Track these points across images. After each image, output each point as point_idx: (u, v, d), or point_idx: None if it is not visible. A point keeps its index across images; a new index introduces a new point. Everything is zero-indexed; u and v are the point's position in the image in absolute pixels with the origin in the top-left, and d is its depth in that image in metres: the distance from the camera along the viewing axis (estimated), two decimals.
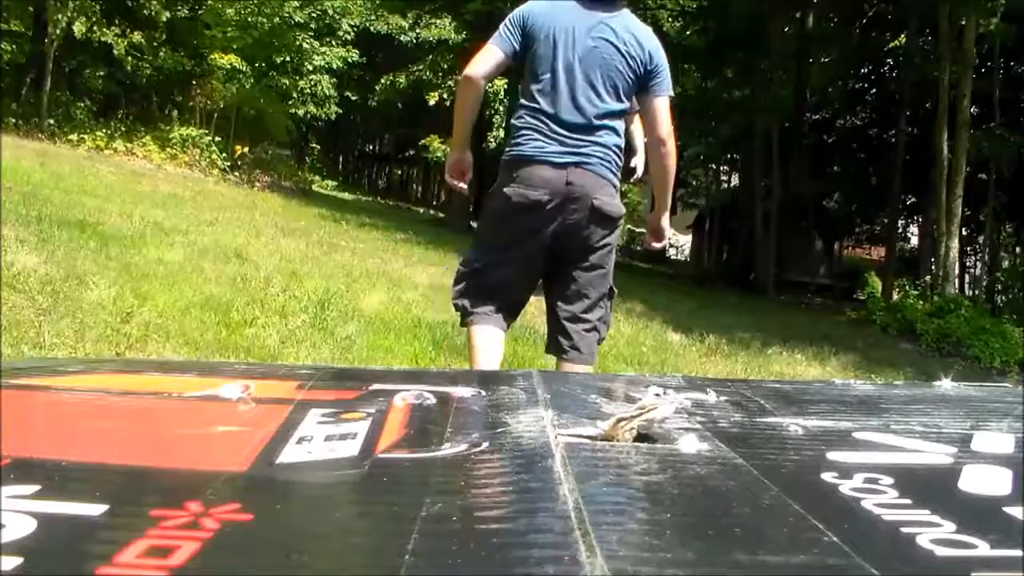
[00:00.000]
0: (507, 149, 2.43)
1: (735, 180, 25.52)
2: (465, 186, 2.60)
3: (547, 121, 2.34)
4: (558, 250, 2.39)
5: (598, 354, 2.60)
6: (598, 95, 2.34)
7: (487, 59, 2.40)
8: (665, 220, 2.60)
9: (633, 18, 2.42)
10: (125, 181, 9.95)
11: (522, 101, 2.42)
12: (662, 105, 2.39)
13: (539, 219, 2.34)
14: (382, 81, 25.85)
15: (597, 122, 2.34)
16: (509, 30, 2.39)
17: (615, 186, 2.43)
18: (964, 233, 16.85)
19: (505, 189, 2.37)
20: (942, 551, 0.48)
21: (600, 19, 2.36)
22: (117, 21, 15.00)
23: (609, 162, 2.38)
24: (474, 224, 18.04)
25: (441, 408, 0.84)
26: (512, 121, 2.44)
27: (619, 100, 2.37)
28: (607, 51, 2.34)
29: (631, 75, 2.35)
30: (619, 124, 2.42)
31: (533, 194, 2.32)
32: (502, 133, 21.83)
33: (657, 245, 2.66)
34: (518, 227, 2.38)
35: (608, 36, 2.35)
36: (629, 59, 2.34)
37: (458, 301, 2.49)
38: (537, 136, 2.35)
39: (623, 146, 2.46)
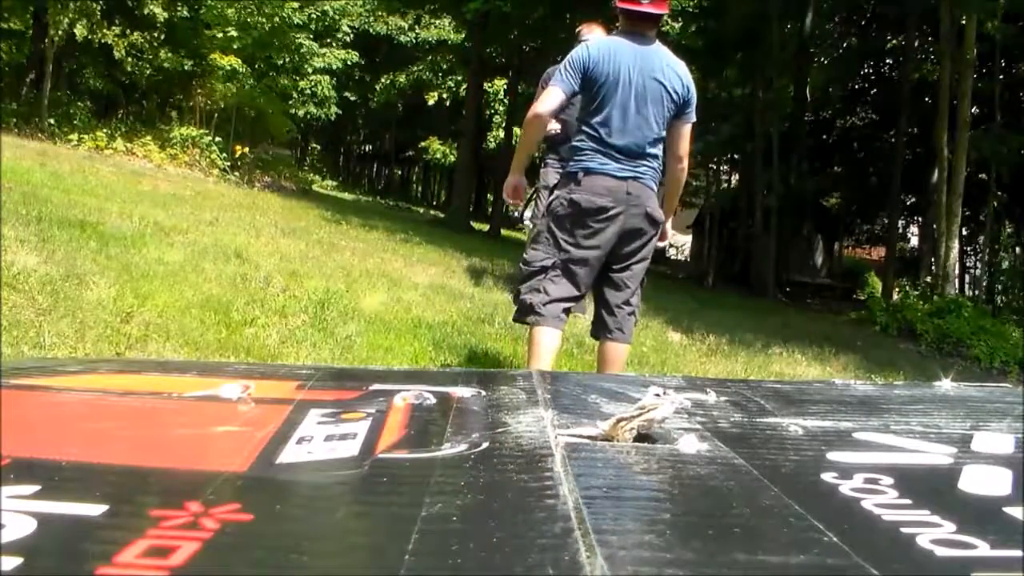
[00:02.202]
0: (571, 164, 2.88)
1: (735, 180, 25.49)
2: (521, 203, 2.92)
3: (607, 148, 2.79)
4: (617, 247, 2.85)
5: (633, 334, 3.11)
6: (648, 126, 2.81)
7: (553, 99, 2.81)
8: (669, 222, 3.06)
9: (669, 53, 2.89)
10: (125, 181, 9.94)
11: (583, 128, 2.85)
12: (687, 131, 2.91)
13: (606, 220, 2.79)
14: (382, 81, 25.85)
15: (648, 149, 2.83)
16: (570, 73, 2.80)
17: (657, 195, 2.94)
18: (964, 233, 16.86)
19: (573, 196, 2.80)
20: (942, 551, 0.48)
21: (648, 56, 2.80)
22: (117, 21, 14.99)
23: (655, 178, 2.88)
24: (473, 224, 18.06)
25: (441, 408, 0.84)
26: (574, 143, 2.89)
27: (662, 129, 2.86)
28: (655, 89, 2.80)
29: (672, 107, 2.84)
30: (661, 146, 2.90)
31: (599, 200, 2.78)
32: (502, 133, 21.88)
33: (660, 243, 3.07)
34: (589, 227, 2.80)
35: (657, 75, 2.80)
36: (673, 94, 2.82)
37: (527, 297, 2.86)
38: (600, 156, 2.80)
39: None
